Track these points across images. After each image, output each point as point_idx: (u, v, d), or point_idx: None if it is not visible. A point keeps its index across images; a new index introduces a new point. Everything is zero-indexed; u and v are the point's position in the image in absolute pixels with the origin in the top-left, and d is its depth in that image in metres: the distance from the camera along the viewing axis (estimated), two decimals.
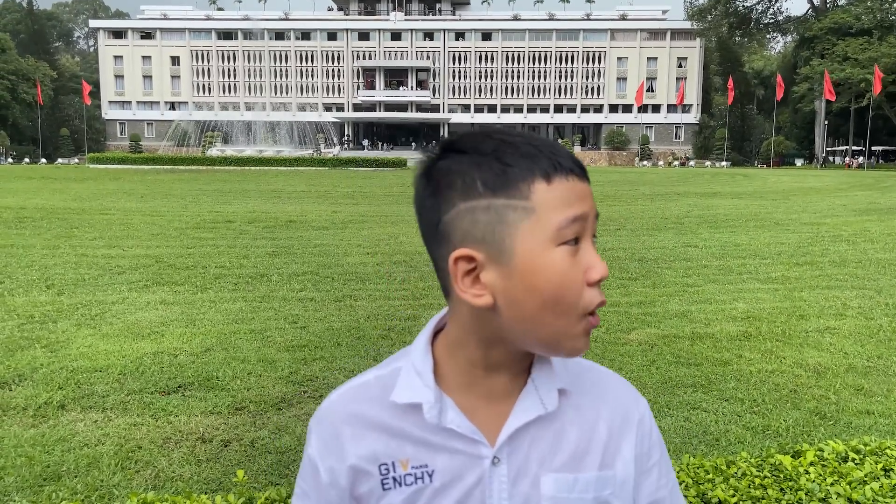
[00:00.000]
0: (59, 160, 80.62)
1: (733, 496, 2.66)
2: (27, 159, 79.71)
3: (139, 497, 2.43)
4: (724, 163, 76.17)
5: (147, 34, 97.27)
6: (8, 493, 3.39)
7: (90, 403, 4.56)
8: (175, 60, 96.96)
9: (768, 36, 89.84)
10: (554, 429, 0.86)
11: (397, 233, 13.50)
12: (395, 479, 0.85)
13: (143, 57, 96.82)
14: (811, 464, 2.89)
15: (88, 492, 3.44)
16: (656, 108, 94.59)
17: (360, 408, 0.87)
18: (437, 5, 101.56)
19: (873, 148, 67.94)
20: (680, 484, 2.69)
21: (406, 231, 13.79)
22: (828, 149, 76.45)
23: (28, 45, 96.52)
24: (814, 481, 2.76)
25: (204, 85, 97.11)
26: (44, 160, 79.16)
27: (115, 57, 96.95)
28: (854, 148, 71.95)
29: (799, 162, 75.36)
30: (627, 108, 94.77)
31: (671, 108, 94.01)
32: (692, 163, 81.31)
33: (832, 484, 2.73)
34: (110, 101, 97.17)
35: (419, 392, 0.85)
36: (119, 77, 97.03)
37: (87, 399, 4.63)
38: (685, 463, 2.82)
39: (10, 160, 76.62)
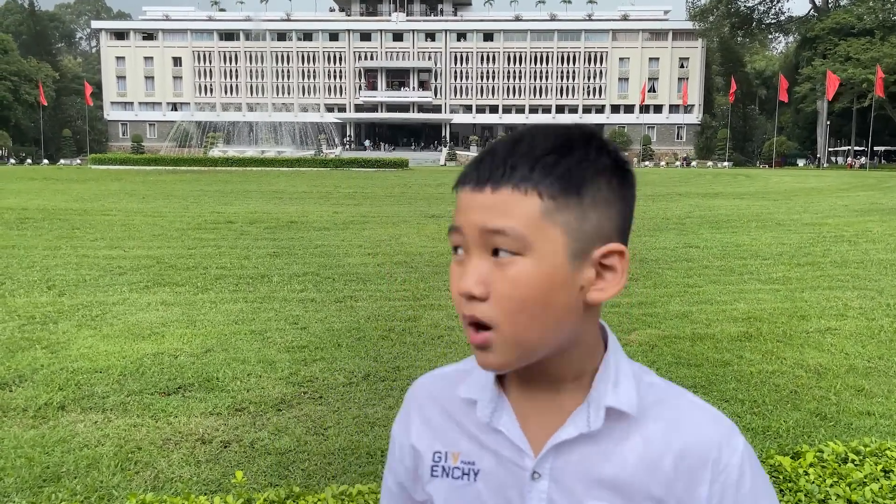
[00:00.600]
0: (62, 161, 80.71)
1: None
2: (29, 160, 79.81)
3: (138, 498, 2.43)
4: (726, 163, 76.10)
5: (149, 35, 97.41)
6: (7, 494, 3.39)
7: (90, 404, 4.56)
8: (177, 61, 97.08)
9: (770, 36, 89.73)
10: (608, 452, 0.80)
11: (399, 234, 13.50)
12: (444, 468, 0.86)
13: (145, 58, 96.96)
14: (811, 465, 2.88)
15: (88, 493, 3.44)
16: (658, 109, 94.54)
17: (435, 395, 0.91)
18: (439, 6, 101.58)
19: (875, 148, 67.84)
20: None
21: (407, 232, 13.79)
22: (830, 149, 76.34)
23: (30, 46, 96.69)
24: (813, 482, 2.75)
25: (206, 86, 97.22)
26: (46, 161, 79.29)
27: (118, 58, 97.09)
28: (856, 148, 71.85)
29: (801, 162, 75.27)
30: (629, 109, 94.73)
31: (673, 109, 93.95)
32: (694, 163, 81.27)
33: (832, 485, 2.73)
34: (112, 102, 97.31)
35: (479, 389, 0.85)
36: (121, 78, 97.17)
37: (87, 400, 4.63)
38: None
39: (12, 161, 76.74)
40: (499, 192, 0.74)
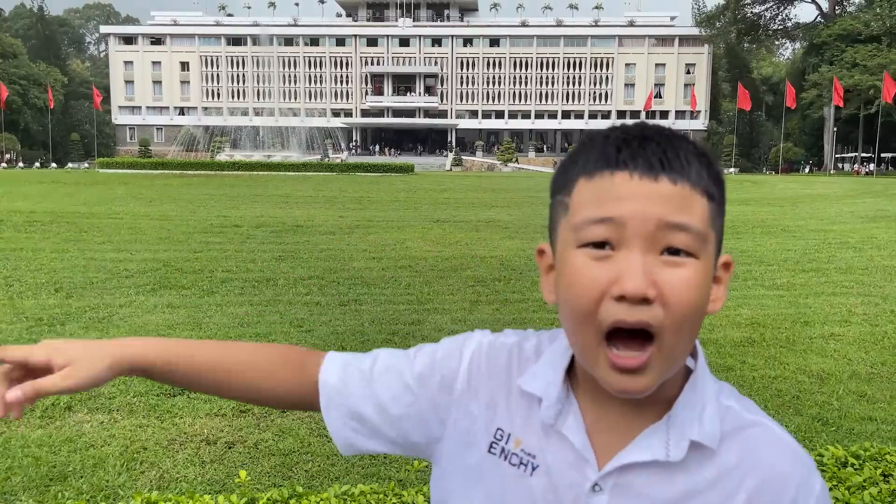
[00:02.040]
0: (70, 165, 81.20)
1: None
2: (38, 164, 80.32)
3: (143, 497, 2.47)
4: (732, 169, 75.98)
5: (157, 40, 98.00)
6: (15, 493, 3.43)
7: (97, 405, 4.61)
8: (184, 66, 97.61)
9: (777, 42, 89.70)
10: (679, 481, 0.74)
11: (403, 238, 13.55)
12: (503, 449, 0.80)
13: (153, 62, 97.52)
14: None
15: (94, 492, 3.48)
16: (664, 115, 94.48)
17: (500, 369, 0.84)
18: (446, 11, 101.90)
19: (882, 155, 67.63)
20: None
21: (412, 236, 13.84)
22: (837, 156, 76.15)
23: (39, 50, 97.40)
24: None
25: (213, 90, 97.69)
26: (54, 165, 79.76)
27: (126, 62, 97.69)
28: (863, 155, 71.64)
29: (807, 169, 75.10)
30: (635, 115, 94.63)
31: (679, 115, 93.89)
32: None
33: (831, 489, 2.74)
34: (120, 107, 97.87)
35: (545, 386, 0.79)
36: (129, 82, 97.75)
37: (93, 401, 4.67)
38: None
39: (21, 164, 77.22)
40: (680, 184, 0.69)
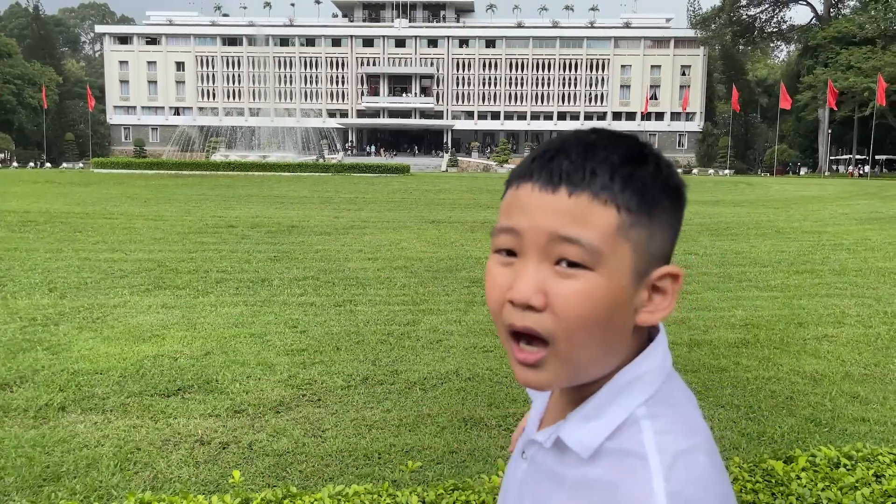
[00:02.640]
0: (64, 164, 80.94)
1: None
2: (32, 163, 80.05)
3: (137, 497, 2.47)
4: (727, 171, 76.15)
5: (152, 40, 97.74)
6: (8, 494, 3.42)
7: (90, 405, 4.60)
8: (180, 66, 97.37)
9: (772, 44, 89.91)
10: (554, 472, 0.77)
11: (399, 239, 13.54)
12: (522, 450, 0.86)
13: (149, 62, 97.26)
14: (803, 469, 2.91)
15: (87, 492, 3.47)
16: (660, 116, 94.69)
17: None
18: (442, 12, 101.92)
19: (877, 157, 67.91)
20: None
21: (408, 237, 13.84)
22: (831, 157, 76.41)
23: (34, 49, 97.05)
24: (805, 486, 2.78)
25: (208, 90, 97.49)
26: (49, 164, 79.50)
27: (121, 62, 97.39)
28: (857, 157, 71.91)
29: (802, 170, 75.34)
30: (631, 116, 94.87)
31: (674, 116, 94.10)
32: (695, 171, 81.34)
33: (823, 489, 2.75)
34: (115, 106, 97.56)
35: None
36: (124, 82, 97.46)
37: (87, 401, 4.66)
38: None
39: (15, 164, 76.94)
40: (576, 197, 0.69)
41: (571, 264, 0.69)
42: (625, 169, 0.70)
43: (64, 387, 4.90)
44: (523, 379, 0.73)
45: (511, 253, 0.72)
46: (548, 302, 0.69)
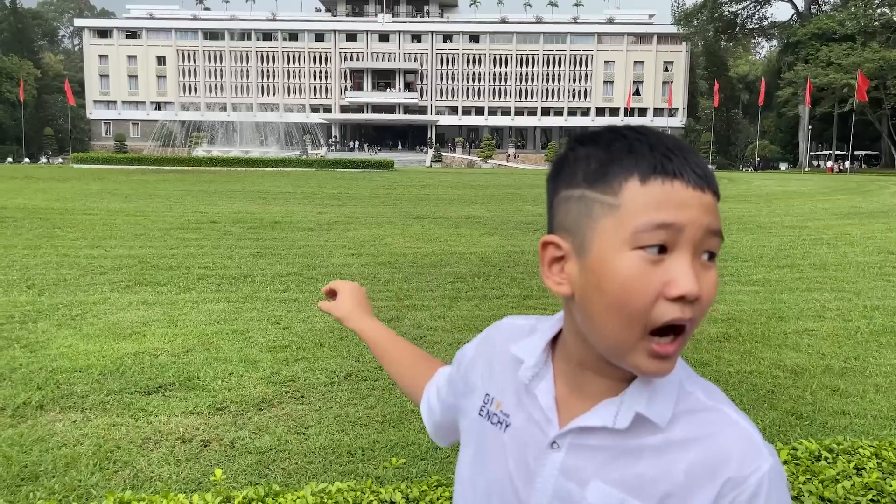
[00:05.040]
0: (43, 160, 79.88)
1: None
2: (10, 159, 78.90)
3: (116, 496, 2.43)
4: (709, 167, 76.62)
5: (133, 33, 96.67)
6: None
7: (69, 403, 4.53)
8: (161, 60, 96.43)
9: (753, 41, 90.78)
10: (626, 447, 0.81)
11: (382, 234, 13.50)
12: (488, 412, 0.92)
13: (129, 56, 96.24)
14: (784, 462, 2.93)
15: (66, 492, 3.42)
16: (643, 112, 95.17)
17: (503, 342, 0.95)
18: (425, 7, 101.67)
19: (856, 153, 68.71)
20: None
21: (391, 233, 13.80)
22: (812, 153, 77.22)
23: (11, 43, 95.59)
24: (787, 479, 2.80)
25: (190, 85, 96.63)
26: (27, 160, 78.39)
27: (101, 56, 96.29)
28: (837, 153, 72.72)
29: (783, 166, 76.07)
30: (614, 112, 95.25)
31: (657, 112, 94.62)
32: None
33: (804, 482, 2.77)
34: (95, 101, 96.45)
35: (529, 351, 0.89)
36: (104, 76, 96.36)
37: (66, 399, 4.60)
38: None
39: None
40: (713, 196, 0.77)
41: (711, 256, 0.77)
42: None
43: (42, 385, 4.83)
44: (658, 369, 0.76)
45: (656, 249, 0.74)
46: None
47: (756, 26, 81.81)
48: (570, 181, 0.80)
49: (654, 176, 0.74)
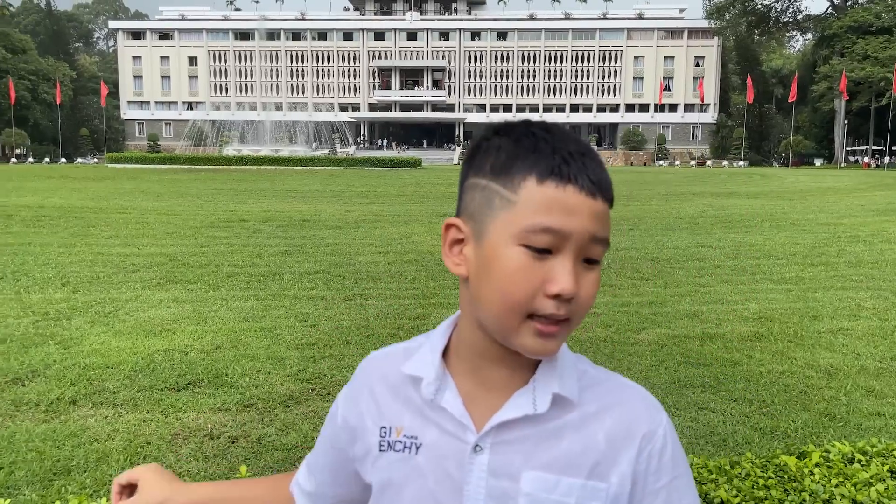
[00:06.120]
0: (79, 160, 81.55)
1: (736, 497, 2.65)
2: (47, 159, 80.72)
3: None
4: (741, 163, 75.55)
5: (165, 35, 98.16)
6: (18, 487, 3.44)
7: (101, 399, 4.61)
8: (193, 61, 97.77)
9: (787, 34, 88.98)
10: (547, 430, 0.85)
11: (410, 232, 13.53)
12: (388, 442, 0.90)
13: (162, 57, 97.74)
14: (816, 465, 2.87)
15: (97, 486, 3.48)
16: (673, 108, 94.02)
17: (383, 372, 0.94)
18: (453, 5, 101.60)
19: (894, 147, 67.06)
20: None
21: (419, 230, 13.82)
22: (848, 148, 75.56)
23: (48, 45, 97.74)
24: (818, 482, 2.74)
25: (221, 85, 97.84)
26: (63, 160, 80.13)
27: (134, 57, 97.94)
28: (874, 148, 71.05)
29: (818, 162, 74.59)
30: (644, 108, 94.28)
31: (688, 108, 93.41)
32: (709, 163, 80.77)
33: (837, 485, 2.70)
34: (129, 102, 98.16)
35: (424, 367, 0.89)
36: (138, 77, 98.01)
37: (98, 395, 4.68)
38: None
39: (31, 160, 77.62)
40: (605, 203, 0.81)
41: (593, 261, 0.81)
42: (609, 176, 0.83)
43: (75, 381, 4.93)
44: (542, 348, 0.81)
45: (542, 250, 0.78)
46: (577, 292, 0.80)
47: (790, 19, 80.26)
48: (479, 170, 0.83)
49: (550, 178, 0.78)
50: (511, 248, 0.78)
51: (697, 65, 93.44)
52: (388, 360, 0.95)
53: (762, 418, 4.41)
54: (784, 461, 2.89)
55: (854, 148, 77.37)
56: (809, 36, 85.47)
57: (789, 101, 69.99)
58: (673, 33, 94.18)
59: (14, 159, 73.87)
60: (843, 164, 67.99)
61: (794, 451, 3.01)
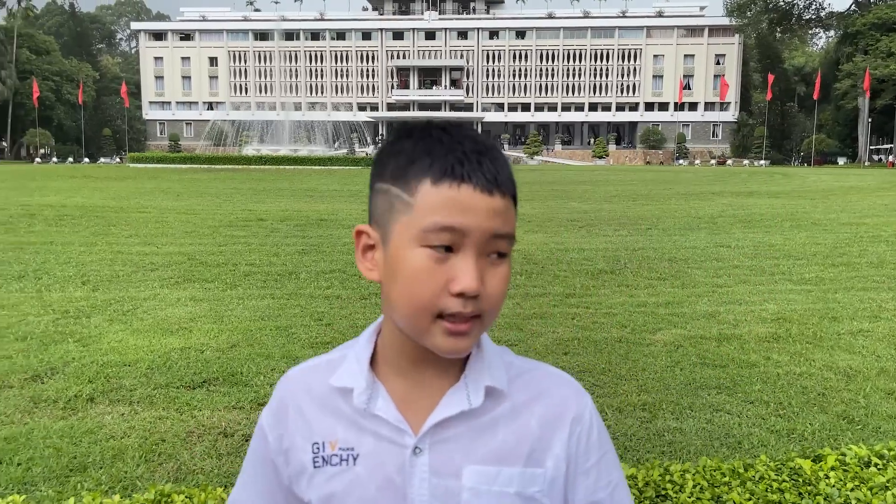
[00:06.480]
0: (102, 159, 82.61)
1: (749, 500, 2.62)
2: (71, 159, 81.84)
3: (157, 489, 2.49)
4: (762, 161, 74.74)
5: (186, 35, 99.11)
6: (35, 483, 3.49)
7: (118, 397, 4.66)
8: (213, 61, 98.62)
9: (810, 32, 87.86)
10: (483, 424, 0.87)
11: None
12: (323, 458, 0.89)
13: (183, 58, 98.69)
14: (832, 468, 2.83)
15: (112, 482, 3.52)
16: (693, 106, 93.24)
17: (308, 386, 0.93)
18: (472, 4, 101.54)
19: None
20: (695, 486, 2.66)
21: None
22: (872, 147, 74.44)
23: (72, 47, 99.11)
24: (833, 486, 2.70)
25: (241, 85, 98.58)
26: (87, 160, 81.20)
27: (156, 58, 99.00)
28: None
29: (841, 161, 73.58)
30: (663, 106, 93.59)
31: (708, 106, 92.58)
32: (730, 162, 79.99)
33: (852, 489, 2.67)
34: (150, 102, 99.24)
35: (353, 377, 0.89)
36: (159, 78, 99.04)
37: (115, 392, 4.74)
38: (701, 465, 2.79)
39: (55, 159, 78.74)
40: (504, 198, 0.81)
41: (500, 255, 0.82)
42: (510, 169, 0.84)
43: (93, 378, 4.99)
44: (454, 347, 0.81)
45: (442, 249, 0.79)
46: (483, 289, 0.80)
47: (813, 17, 79.22)
48: (382, 174, 0.85)
49: (444, 179, 0.79)
50: (413, 251, 0.79)
51: (718, 63, 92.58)
52: (310, 375, 0.94)
53: (778, 420, 4.36)
54: (799, 464, 2.86)
55: (878, 147, 76.19)
56: (832, 33, 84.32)
57: (815, 98, 69.08)
58: (693, 31, 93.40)
59: (38, 159, 75.01)
60: (866, 163, 66.98)
61: (810, 455, 2.97)
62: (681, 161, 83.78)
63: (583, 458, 0.90)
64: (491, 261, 0.81)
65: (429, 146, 0.81)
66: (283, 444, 0.93)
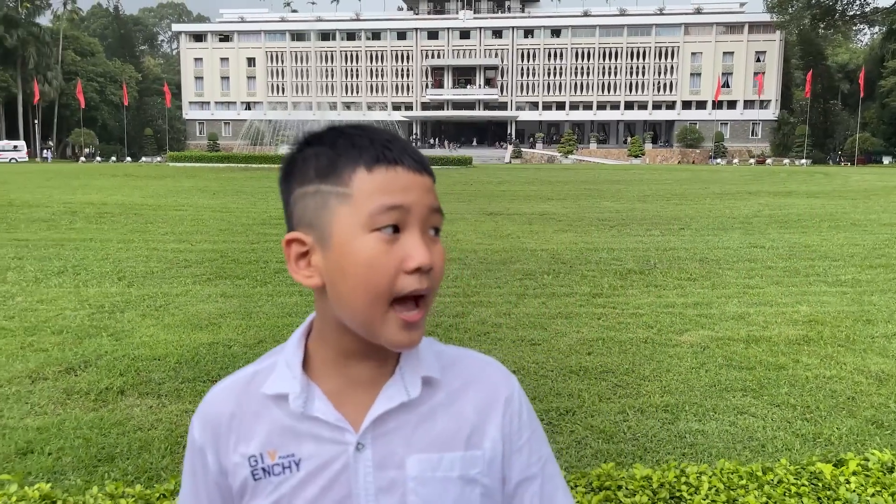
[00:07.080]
0: (143, 159, 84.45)
1: (765, 503, 2.58)
2: (114, 158, 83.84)
3: (178, 480, 2.56)
4: (804, 161, 73.11)
5: (225, 37, 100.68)
6: (64, 472, 3.60)
7: (147, 390, 4.78)
8: (251, 62, 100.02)
9: (854, 28, 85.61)
10: (421, 413, 0.89)
11: (455, 231, 13.55)
12: (263, 469, 0.88)
13: (221, 59, 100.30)
14: (853, 473, 2.77)
15: (138, 473, 3.62)
16: (732, 105, 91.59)
17: (238, 400, 0.91)
18: (507, 3, 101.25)
19: None
20: (710, 489, 2.63)
21: (464, 229, 13.84)
22: None
23: (115, 48, 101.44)
24: (854, 491, 2.65)
25: (278, 85, 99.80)
26: (129, 159, 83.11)
27: (196, 59, 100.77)
28: None
29: (886, 160, 71.59)
30: (701, 105, 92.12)
31: (748, 104, 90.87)
32: (769, 161, 78.42)
33: (873, 495, 2.62)
34: (190, 102, 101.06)
35: (287, 383, 0.88)
36: (199, 78, 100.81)
37: (144, 385, 4.86)
38: (719, 468, 2.76)
39: (98, 159, 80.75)
40: (430, 177, 0.87)
41: (436, 231, 0.86)
42: None
43: (124, 371, 5.12)
44: (409, 340, 0.84)
45: (390, 229, 0.81)
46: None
47: (857, 12, 77.17)
48: (304, 179, 0.85)
49: (378, 164, 0.82)
50: (362, 238, 0.81)
51: (758, 60, 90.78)
52: (237, 387, 0.92)
53: (804, 424, 4.28)
54: (819, 469, 2.81)
55: None
56: (877, 29, 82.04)
57: (860, 95, 67.34)
58: (733, 28, 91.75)
59: (83, 158, 77.04)
60: None
61: (832, 459, 2.92)
62: (718, 160, 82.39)
63: (516, 437, 0.93)
64: (431, 238, 0.84)
65: (350, 140, 0.84)
66: (221, 462, 0.91)
